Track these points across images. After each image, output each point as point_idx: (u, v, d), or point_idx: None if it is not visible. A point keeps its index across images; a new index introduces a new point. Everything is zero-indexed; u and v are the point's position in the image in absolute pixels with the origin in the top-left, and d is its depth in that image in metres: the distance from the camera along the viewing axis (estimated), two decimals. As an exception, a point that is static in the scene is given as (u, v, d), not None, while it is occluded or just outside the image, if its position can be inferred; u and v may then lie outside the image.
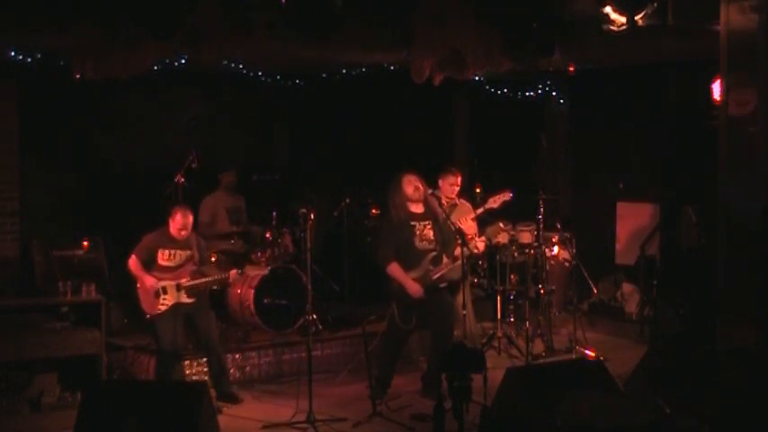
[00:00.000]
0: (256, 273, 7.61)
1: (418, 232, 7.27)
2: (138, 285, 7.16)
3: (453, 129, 11.49)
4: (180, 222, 7.14)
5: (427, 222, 7.30)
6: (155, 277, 7.11)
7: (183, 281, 7.15)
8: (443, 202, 7.67)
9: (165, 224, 7.22)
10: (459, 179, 8.15)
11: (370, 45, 8.35)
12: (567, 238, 9.47)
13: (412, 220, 7.27)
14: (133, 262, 7.17)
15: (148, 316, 7.13)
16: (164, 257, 7.18)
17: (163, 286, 7.10)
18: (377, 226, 8.77)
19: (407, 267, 7.19)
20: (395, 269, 7.18)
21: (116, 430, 5.39)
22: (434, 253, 7.27)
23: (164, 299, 7.10)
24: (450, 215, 7.59)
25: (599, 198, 10.60)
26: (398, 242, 7.24)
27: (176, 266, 7.20)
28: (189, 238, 7.25)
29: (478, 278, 9.61)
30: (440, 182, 7.98)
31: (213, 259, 8.10)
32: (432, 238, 7.29)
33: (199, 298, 7.28)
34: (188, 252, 7.24)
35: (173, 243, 7.20)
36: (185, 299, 7.17)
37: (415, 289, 7.14)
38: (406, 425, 6.73)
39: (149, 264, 7.16)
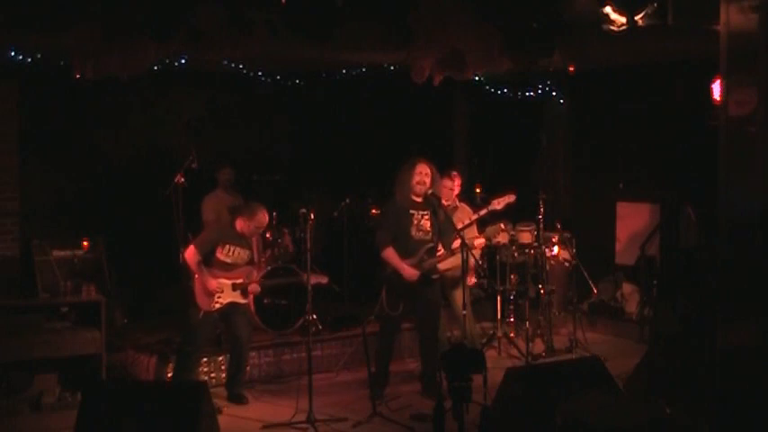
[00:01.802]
0: (317, 281, 7.45)
1: (416, 221, 7.30)
2: (197, 279, 7.04)
3: (453, 129, 11.49)
4: (261, 221, 7.10)
5: (425, 213, 7.33)
6: (212, 274, 7.04)
7: (239, 281, 7.13)
8: (444, 203, 7.68)
9: (230, 220, 7.21)
10: (458, 182, 8.15)
11: (371, 45, 8.34)
12: (567, 238, 9.48)
13: (411, 209, 7.31)
14: (192, 255, 7.00)
15: (202, 313, 7.04)
16: (222, 252, 7.10)
17: (220, 285, 7.09)
18: (377, 226, 8.79)
19: (403, 255, 7.25)
20: (390, 254, 7.25)
21: (116, 430, 5.40)
22: (430, 244, 7.31)
23: (219, 297, 7.08)
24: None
25: (599, 198, 10.61)
26: (396, 229, 7.29)
27: (233, 264, 7.14)
28: (250, 238, 7.23)
29: (479, 278, 9.62)
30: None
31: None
32: (428, 229, 7.32)
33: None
34: (247, 252, 7.21)
35: (237, 240, 7.13)
36: (240, 299, 7.17)
37: (409, 272, 7.19)
38: (406, 425, 6.73)
39: (207, 257, 7.06)
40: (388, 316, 7.34)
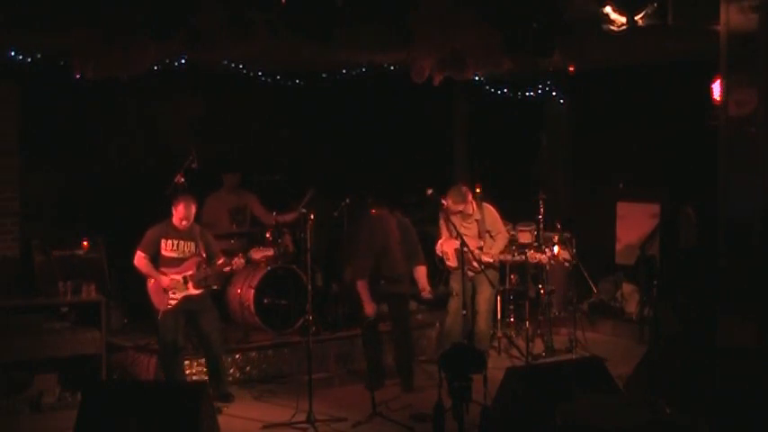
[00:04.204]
0: (263, 255, 7.51)
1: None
2: (150, 282, 7.12)
3: (453, 129, 11.49)
4: (182, 212, 7.14)
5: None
6: (162, 273, 7.09)
7: (189, 273, 7.14)
8: (469, 211, 8.00)
9: (169, 216, 7.22)
10: (451, 199, 8.09)
11: (371, 45, 8.34)
12: (567, 238, 9.47)
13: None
14: (141, 259, 7.13)
15: (160, 314, 7.09)
16: (167, 248, 7.15)
17: (173, 281, 7.10)
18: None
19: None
20: (361, 286, 7.58)
21: (116, 430, 5.40)
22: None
23: (173, 294, 7.10)
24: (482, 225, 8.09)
25: (599, 198, 10.61)
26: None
27: (181, 258, 7.17)
28: (192, 230, 7.24)
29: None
30: None
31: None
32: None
33: (204, 296, 7.28)
34: (191, 243, 7.22)
35: (176, 233, 7.18)
36: (193, 290, 7.16)
37: (369, 309, 7.52)
38: (406, 425, 6.73)
39: (155, 258, 7.12)
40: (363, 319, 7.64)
